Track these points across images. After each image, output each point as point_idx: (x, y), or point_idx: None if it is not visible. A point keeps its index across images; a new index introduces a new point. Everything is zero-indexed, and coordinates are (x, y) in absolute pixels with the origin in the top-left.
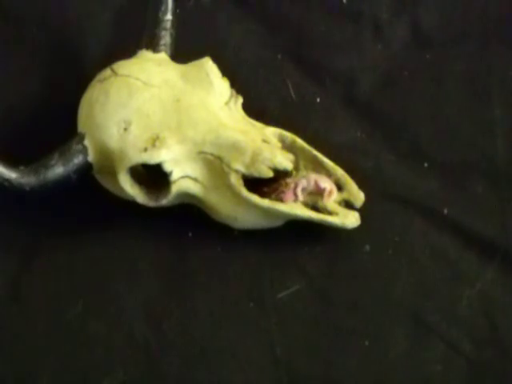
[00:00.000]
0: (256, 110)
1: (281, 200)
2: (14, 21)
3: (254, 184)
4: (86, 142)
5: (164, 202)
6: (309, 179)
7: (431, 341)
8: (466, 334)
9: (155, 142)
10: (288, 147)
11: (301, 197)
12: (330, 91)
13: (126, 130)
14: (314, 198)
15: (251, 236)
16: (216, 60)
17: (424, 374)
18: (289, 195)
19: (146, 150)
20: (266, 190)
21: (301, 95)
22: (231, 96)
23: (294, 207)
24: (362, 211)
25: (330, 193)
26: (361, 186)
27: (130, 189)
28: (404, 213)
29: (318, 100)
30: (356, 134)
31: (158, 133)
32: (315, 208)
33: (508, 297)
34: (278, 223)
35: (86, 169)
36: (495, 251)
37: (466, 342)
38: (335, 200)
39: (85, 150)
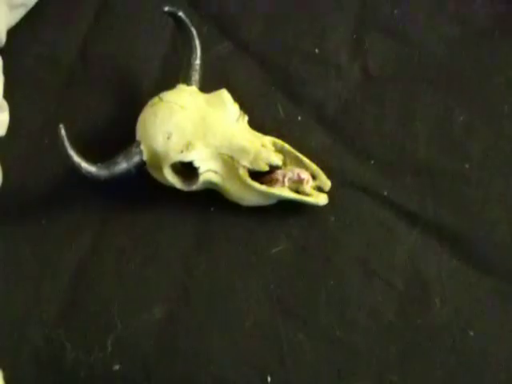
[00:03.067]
0: (256, 125)
1: (274, 186)
2: (83, 58)
3: (256, 175)
4: (142, 147)
5: (194, 187)
6: (293, 171)
7: (375, 281)
8: (398, 275)
9: (188, 146)
10: (279, 150)
11: (287, 183)
12: (307, 112)
13: (168, 138)
14: (297, 185)
15: (254, 210)
16: (229, 91)
17: (369, 303)
18: (279, 183)
19: (182, 152)
20: (263, 179)
21: (287, 114)
22: (240, 115)
23: (283, 191)
24: (329, 194)
25: (308, 181)
26: (328, 177)
27: (172, 178)
28: (357, 195)
29: (299, 118)
30: (325, 141)
31: (190, 140)
32: (297, 191)
33: (426, 251)
34: (272, 202)
35: (142, 165)
36: (418, 220)
37: (398, 282)
38: (311, 186)
39: (141, 153)
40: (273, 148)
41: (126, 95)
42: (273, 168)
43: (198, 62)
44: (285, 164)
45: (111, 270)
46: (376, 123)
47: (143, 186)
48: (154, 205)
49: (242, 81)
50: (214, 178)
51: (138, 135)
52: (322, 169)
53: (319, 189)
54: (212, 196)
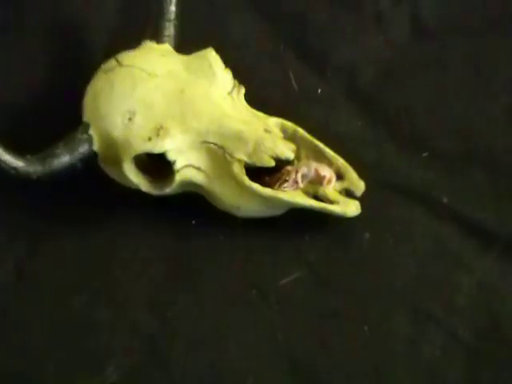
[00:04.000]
0: (258, 100)
1: (282, 188)
2: (15, 7)
3: (257, 173)
4: (91, 132)
5: (168, 190)
6: (309, 166)
7: (430, 328)
8: (464, 321)
9: (159, 131)
10: (289, 137)
11: (301, 184)
12: (332, 82)
13: (130, 119)
14: (315, 187)
15: (253, 224)
16: (218, 51)
17: (423, 361)
18: (290, 183)
19: (150, 139)
20: (267, 179)
21: (302, 86)
22: (234, 86)
23: (296, 196)
24: (362, 200)
25: (330, 180)
26: (361, 176)
27: (135, 177)
28: (404, 202)
29: (320, 91)
30: (357, 125)
31: (162, 123)
32: (316, 197)
33: (507, 285)
34: (280, 211)
35: (91, 158)
36: (494, 239)
37: (464, 330)
38: (336, 189)
39: (90, 140)
40: (281, 134)
41: (66, 54)
42: (281, 163)
43: (172, 8)
44: (298, 157)
45: (44, 313)
46: (431, 99)
47: (93, 188)
48: (110, 217)
49: (238, 36)
50: (197, 176)
51: (86, 115)
52: (352, 164)
53: (348, 193)
54: (193, 203)
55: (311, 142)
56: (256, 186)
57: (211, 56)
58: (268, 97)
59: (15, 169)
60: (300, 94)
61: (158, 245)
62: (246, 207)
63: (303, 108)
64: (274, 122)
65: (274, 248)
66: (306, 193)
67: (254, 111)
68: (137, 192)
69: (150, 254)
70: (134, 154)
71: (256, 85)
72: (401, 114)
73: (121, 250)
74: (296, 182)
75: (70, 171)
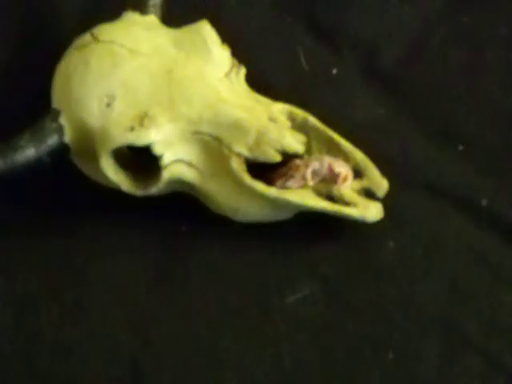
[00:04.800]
0: (262, 82)
1: (286, 185)
2: None
3: (259, 170)
4: (62, 120)
5: (154, 190)
6: (322, 161)
7: (466, 354)
8: (507, 346)
9: (143, 119)
10: (299, 127)
11: (311, 181)
12: (349, 61)
13: (108, 105)
14: (329, 187)
15: (255, 230)
16: (215, 24)
17: None
18: (296, 179)
19: (132, 129)
20: (273, 176)
21: (314, 65)
22: (232, 66)
23: (306, 196)
24: (385, 202)
25: (346, 178)
26: (384, 172)
27: (114, 175)
28: (435, 204)
29: (335, 71)
30: (379, 112)
31: (147, 109)
32: (330, 198)
33: None
34: (287, 215)
35: (62, 151)
36: None
37: (507, 356)
38: (354, 189)
39: (60, 130)
40: (289, 123)
41: (33, 28)
42: (289, 157)
43: None
44: (309, 151)
45: (4, 333)
46: (467, 81)
47: (64, 188)
48: (84, 221)
49: (237, 7)
50: (188, 174)
51: (56, 100)
52: (373, 158)
53: (368, 193)
54: (184, 206)
55: (324, 133)
56: (258, 185)
57: (205, 30)
58: (273, 79)
59: None
60: (311, 74)
61: (142, 255)
62: (247, 210)
63: (315, 92)
64: (280, 108)
65: (280, 259)
66: (318, 193)
67: (257, 96)
68: (116, 192)
69: (133, 267)
70: (113, 146)
71: (259, 64)
72: (430, 99)
73: (98, 261)
74: (304, 179)
75: (35, 167)
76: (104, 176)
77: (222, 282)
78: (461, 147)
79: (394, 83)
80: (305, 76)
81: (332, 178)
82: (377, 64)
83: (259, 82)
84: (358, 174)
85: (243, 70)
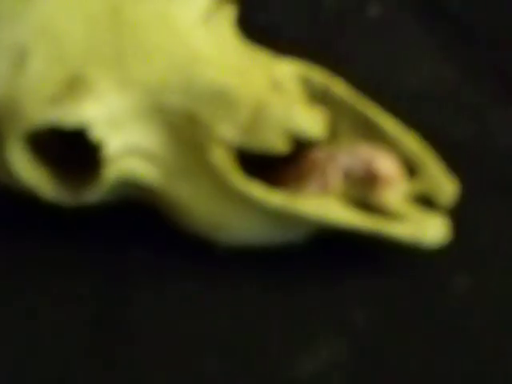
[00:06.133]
0: (262, 27)
1: (303, 191)
2: None
3: (258, 166)
4: None
5: (91, 197)
6: (354, 154)
7: None
8: None
9: (74, 86)
10: (319, 98)
11: (337, 184)
12: None
13: (19, 64)
14: (364, 191)
15: (248, 259)
16: None
17: None
18: (317, 182)
19: (56, 100)
20: (279, 175)
21: (343, 2)
22: (215, 3)
23: (329, 207)
24: (452, 214)
25: (391, 179)
26: (452, 170)
27: (27, 172)
28: None
29: (374, 10)
30: (445, 74)
31: (80, 70)
32: (365, 207)
33: None
34: (299, 236)
35: None
36: None
37: None
38: (405, 195)
39: None
40: (302, 93)
41: None
42: (302, 147)
43: None
44: (335, 136)
45: None
46: None
47: None
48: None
49: None
50: (145, 171)
51: None
52: (436, 148)
53: (426, 201)
54: (138, 221)
55: (358, 109)
56: (254, 188)
57: None
58: (280, 22)
59: None
60: (337, 15)
61: (75, 294)
62: (235, 227)
63: (343, 42)
64: (288, 70)
65: (287, 305)
66: (347, 198)
67: (253, 50)
68: (31, 201)
69: (61, 312)
70: (26, 128)
71: (257, 0)
72: None
73: (11, 300)
74: (326, 181)
75: None
76: (11, 174)
77: (194, 335)
78: None
79: (468, 30)
80: (328, 17)
81: (370, 179)
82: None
83: (259, 28)
84: (411, 172)
85: (232, 10)
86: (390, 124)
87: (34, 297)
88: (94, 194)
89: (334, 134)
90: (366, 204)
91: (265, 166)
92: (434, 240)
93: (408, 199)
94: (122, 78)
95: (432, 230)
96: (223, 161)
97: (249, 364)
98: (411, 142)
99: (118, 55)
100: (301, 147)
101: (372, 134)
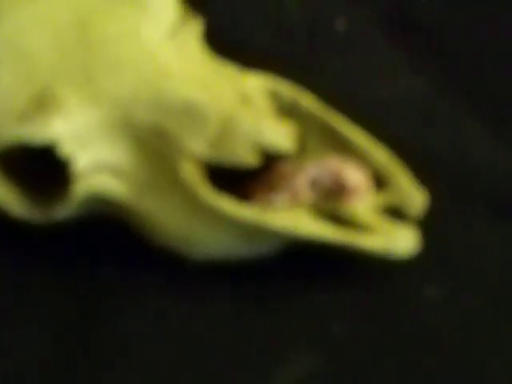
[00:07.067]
0: (230, 41)
1: (273, 204)
2: None
3: (228, 180)
4: None
5: (60, 214)
6: (323, 166)
7: None
8: None
9: (42, 102)
10: (287, 111)
11: (306, 196)
12: (367, 9)
13: None
14: (334, 203)
15: (219, 274)
16: None
17: None
18: (285, 194)
19: (23, 117)
20: (249, 188)
21: (313, 14)
22: (182, 19)
23: (299, 220)
24: (422, 225)
25: (360, 190)
26: (421, 181)
27: None
28: (502, 229)
29: (342, 23)
30: (414, 82)
31: (48, 85)
32: (335, 219)
33: None
34: (270, 250)
35: None
36: None
37: None
38: (374, 206)
39: None
40: (271, 106)
41: None
42: (272, 160)
43: None
44: (304, 149)
45: None
46: None
47: None
48: None
49: None
50: (115, 187)
51: None
52: (405, 159)
53: (395, 212)
54: (108, 237)
55: (327, 121)
56: (224, 202)
57: None
58: (249, 36)
59: None
60: (308, 29)
61: (41, 319)
62: (205, 241)
63: (314, 56)
64: (257, 83)
65: (261, 318)
66: (318, 212)
67: (221, 64)
68: (7, 217)
69: (26, 337)
70: None
71: (226, 14)
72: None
73: None
74: (296, 193)
75: None
76: None
77: (168, 358)
78: None
79: (433, 42)
80: (299, 31)
81: (339, 190)
82: (408, 14)
83: (229, 42)
84: (380, 184)
85: (199, 25)
86: (358, 136)
87: (3, 312)
88: (63, 211)
89: (302, 147)
90: (336, 216)
91: (234, 179)
92: (404, 251)
93: (378, 211)
94: (90, 93)
95: (402, 242)
96: (192, 175)
97: (223, 377)
98: (380, 154)
99: (87, 70)
100: (270, 160)
101: (341, 146)
